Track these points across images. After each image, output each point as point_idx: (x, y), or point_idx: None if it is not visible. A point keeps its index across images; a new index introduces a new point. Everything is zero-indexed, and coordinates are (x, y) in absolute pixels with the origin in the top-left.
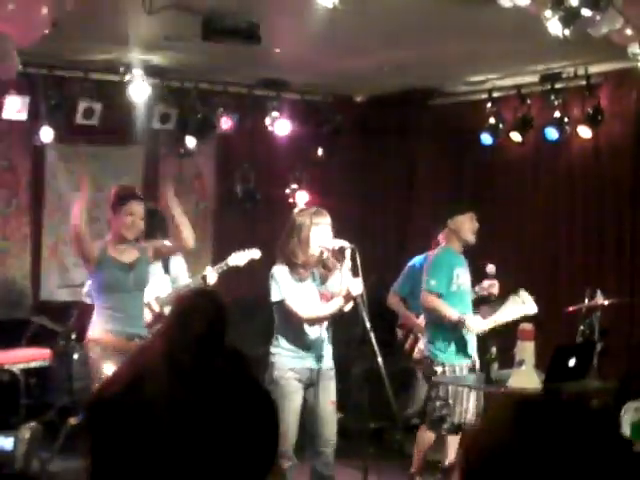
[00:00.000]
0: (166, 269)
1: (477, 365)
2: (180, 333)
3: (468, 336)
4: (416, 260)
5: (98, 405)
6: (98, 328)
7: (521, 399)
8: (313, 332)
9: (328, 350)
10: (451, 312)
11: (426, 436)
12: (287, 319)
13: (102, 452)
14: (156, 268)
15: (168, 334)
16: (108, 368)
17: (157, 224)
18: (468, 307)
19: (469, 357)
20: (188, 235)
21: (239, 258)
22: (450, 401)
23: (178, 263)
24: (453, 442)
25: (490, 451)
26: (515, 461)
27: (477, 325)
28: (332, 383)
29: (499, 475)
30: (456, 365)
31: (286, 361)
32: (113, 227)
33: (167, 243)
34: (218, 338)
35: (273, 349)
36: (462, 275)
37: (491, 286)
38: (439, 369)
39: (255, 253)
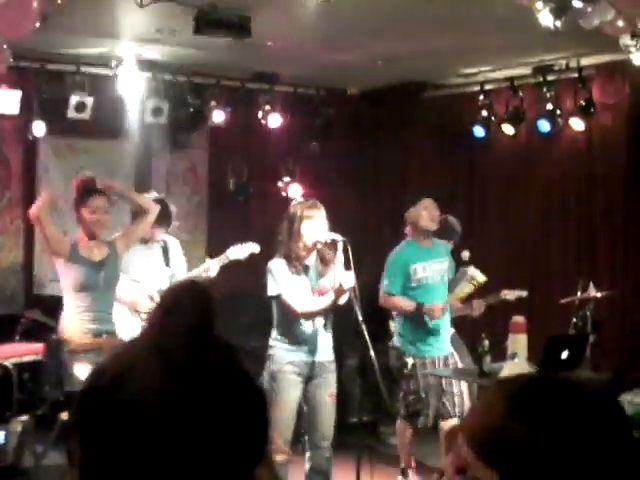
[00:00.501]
0: (167, 262)
1: (455, 358)
2: (168, 324)
3: (438, 328)
4: (390, 256)
5: (87, 398)
6: (67, 327)
7: (516, 381)
8: (311, 325)
9: (328, 343)
10: (405, 304)
11: (405, 431)
12: (284, 313)
13: (91, 445)
14: (156, 261)
15: (157, 325)
16: (77, 367)
17: (162, 213)
18: (435, 299)
19: (441, 350)
20: (145, 202)
21: (239, 251)
22: (422, 394)
23: (177, 258)
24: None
25: (487, 434)
26: (515, 444)
27: (435, 308)
28: (332, 376)
29: (500, 460)
30: (427, 357)
31: (284, 355)
32: (81, 224)
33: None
34: (207, 329)
35: (271, 342)
36: (425, 269)
37: (468, 308)
38: (409, 361)
39: (254, 247)
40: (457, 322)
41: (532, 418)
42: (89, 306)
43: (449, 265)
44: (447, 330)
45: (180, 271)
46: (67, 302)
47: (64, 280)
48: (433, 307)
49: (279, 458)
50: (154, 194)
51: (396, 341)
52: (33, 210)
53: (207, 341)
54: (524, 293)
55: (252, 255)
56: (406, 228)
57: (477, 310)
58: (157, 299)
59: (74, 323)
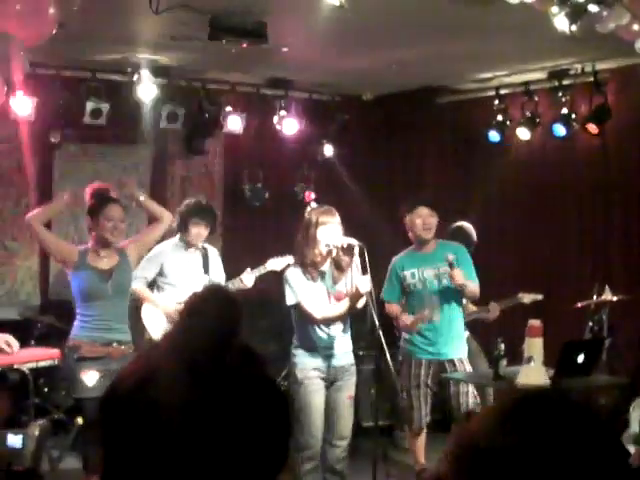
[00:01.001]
0: (206, 269)
1: (463, 365)
2: (193, 328)
3: (432, 332)
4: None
5: (111, 401)
6: (76, 334)
7: (517, 395)
8: (332, 330)
9: (348, 346)
10: (392, 310)
11: (412, 435)
12: (304, 321)
13: (114, 447)
14: (195, 266)
15: (181, 330)
16: (85, 374)
17: (211, 218)
18: (425, 305)
19: (437, 354)
20: (159, 211)
21: (277, 263)
22: (404, 395)
23: (216, 266)
24: None
25: (480, 446)
26: (505, 457)
27: (404, 322)
28: (352, 378)
29: (489, 471)
30: (413, 360)
31: (308, 361)
32: (94, 233)
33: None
34: (231, 334)
35: (294, 350)
36: (414, 275)
37: (485, 311)
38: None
39: (291, 259)
40: (472, 325)
41: (522, 433)
42: (98, 315)
43: (462, 267)
44: (449, 336)
45: (219, 280)
46: (77, 310)
47: (73, 288)
48: (406, 325)
49: (311, 464)
50: (202, 201)
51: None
52: (27, 217)
53: (230, 346)
54: (540, 297)
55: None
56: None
57: (492, 313)
58: None
59: (83, 331)
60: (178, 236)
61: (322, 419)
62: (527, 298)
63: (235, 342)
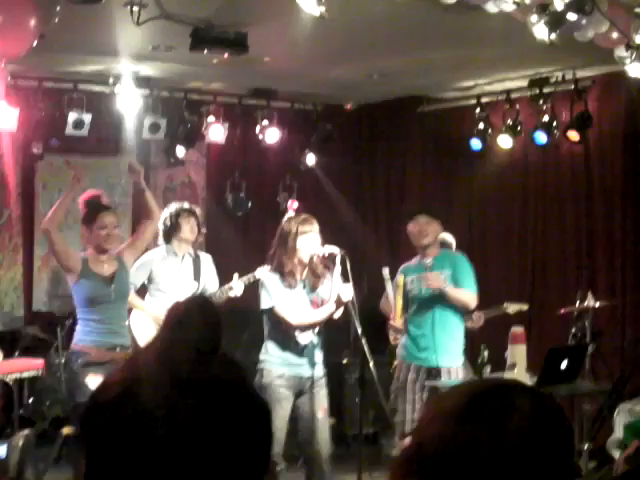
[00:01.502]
0: (196, 276)
1: (452, 371)
2: (176, 338)
3: (423, 338)
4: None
5: (93, 411)
6: (79, 340)
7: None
8: (303, 339)
9: (319, 357)
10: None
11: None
12: (277, 326)
13: (97, 458)
14: (185, 273)
15: (164, 338)
16: (89, 379)
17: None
18: (420, 311)
19: (424, 361)
20: (154, 206)
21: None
22: (392, 396)
23: (210, 273)
24: None
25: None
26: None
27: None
28: (323, 390)
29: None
30: (404, 364)
31: (275, 368)
32: (90, 241)
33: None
34: (214, 344)
35: (262, 356)
36: (413, 281)
37: (469, 320)
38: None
39: None
40: None
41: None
42: (102, 320)
43: (458, 275)
44: (440, 343)
45: (212, 287)
46: (80, 316)
47: (77, 294)
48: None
49: (276, 468)
50: (186, 204)
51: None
52: (43, 224)
53: (214, 356)
54: (525, 307)
55: (252, 271)
56: None
57: (477, 323)
58: None
59: (89, 336)
60: (165, 246)
61: (284, 429)
62: (512, 308)
63: (219, 353)
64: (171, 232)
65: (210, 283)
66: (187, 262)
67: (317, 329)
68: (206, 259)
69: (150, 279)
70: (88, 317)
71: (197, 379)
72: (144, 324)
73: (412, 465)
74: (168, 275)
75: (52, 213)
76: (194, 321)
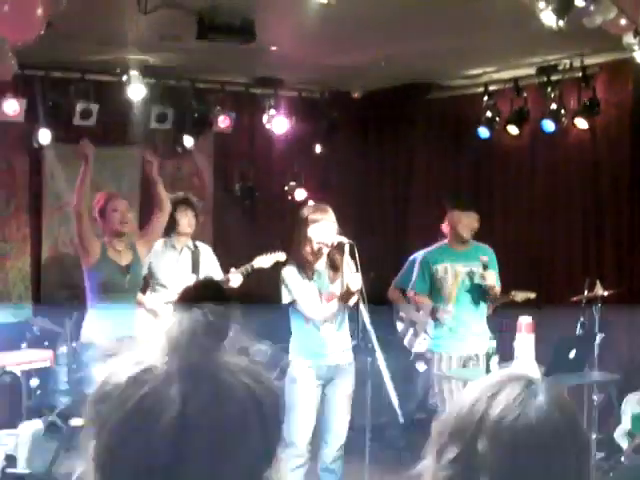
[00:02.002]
0: (195, 269)
1: (480, 357)
2: (184, 324)
3: (460, 331)
4: (417, 254)
5: (102, 395)
6: (90, 330)
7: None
8: (327, 329)
9: (345, 344)
10: (422, 300)
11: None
12: (301, 318)
13: (105, 445)
14: (184, 266)
15: (173, 325)
16: (99, 371)
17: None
18: (468, 298)
19: (458, 348)
20: (165, 198)
21: (264, 261)
22: (435, 389)
23: (211, 264)
24: None
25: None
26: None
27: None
28: (350, 377)
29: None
30: (443, 354)
31: (303, 360)
32: (106, 229)
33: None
34: (224, 329)
35: (290, 348)
36: (446, 270)
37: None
38: (429, 356)
39: (280, 256)
40: None
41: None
42: (114, 309)
43: (490, 269)
44: (474, 332)
45: (215, 274)
46: (92, 305)
47: (90, 281)
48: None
49: (297, 462)
50: (180, 194)
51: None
52: (75, 207)
53: (222, 340)
54: (532, 295)
55: (263, 267)
56: (444, 226)
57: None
58: None
59: (98, 326)
60: (163, 240)
61: (313, 419)
62: (519, 296)
63: (226, 337)
64: (169, 227)
65: (211, 274)
66: (185, 255)
67: (339, 318)
68: (205, 250)
69: (150, 273)
70: (100, 306)
71: (204, 366)
72: (144, 319)
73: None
74: (167, 269)
75: (79, 194)
76: (203, 305)
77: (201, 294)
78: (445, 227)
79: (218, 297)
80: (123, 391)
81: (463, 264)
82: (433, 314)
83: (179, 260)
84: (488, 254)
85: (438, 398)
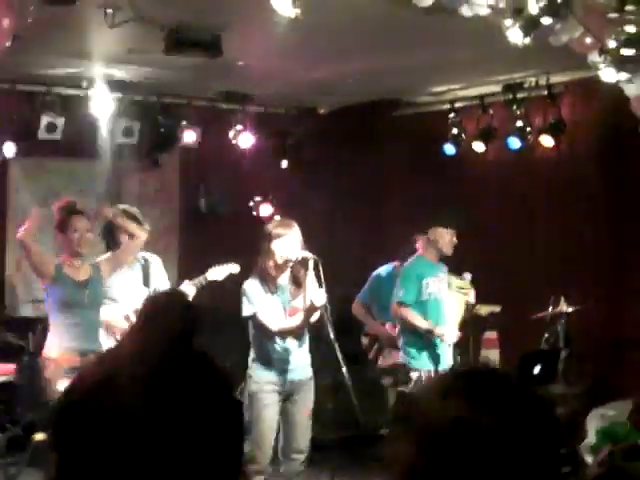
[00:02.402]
0: (146, 282)
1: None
2: (150, 332)
3: (442, 346)
4: (381, 270)
5: (64, 409)
6: (52, 345)
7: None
8: (288, 344)
9: (305, 360)
10: (420, 322)
11: None
12: (260, 332)
13: (68, 456)
14: (135, 280)
15: (138, 333)
16: (62, 385)
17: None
18: (441, 315)
19: (444, 364)
20: (135, 230)
21: (218, 273)
22: None
23: (160, 276)
24: None
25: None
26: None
27: (449, 333)
28: (310, 393)
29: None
30: (432, 371)
31: (263, 374)
32: (64, 246)
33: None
34: (188, 336)
35: (251, 363)
36: (433, 284)
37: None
38: (414, 375)
39: (234, 267)
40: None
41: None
42: (75, 324)
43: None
44: (449, 349)
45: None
46: (53, 321)
47: (50, 298)
48: (447, 334)
49: (259, 479)
50: (119, 207)
51: (401, 357)
52: (19, 235)
53: (187, 350)
54: (497, 308)
55: (229, 274)
56: (418, 244)
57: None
58: (134, 319)
59: (59, 341)
60: (109, 253)
61: (273, 434)
62: (483, 310)
63: (193, 348)
64: (113, 248)
65: (161, 286)
66: (136, 269)
67: (300, 333)
68: (155, 262)
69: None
70: (60, 322)
71: (171, 372)
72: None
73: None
74: (117, 283)
75: (26, 227)
76: (168, 315)
77: (169, 304)
78: (420, 243)
79: (185, 307)
80: (87, 400)
81: (441, 276)
82: (429, 334)
83: (129, 274)
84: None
85: None
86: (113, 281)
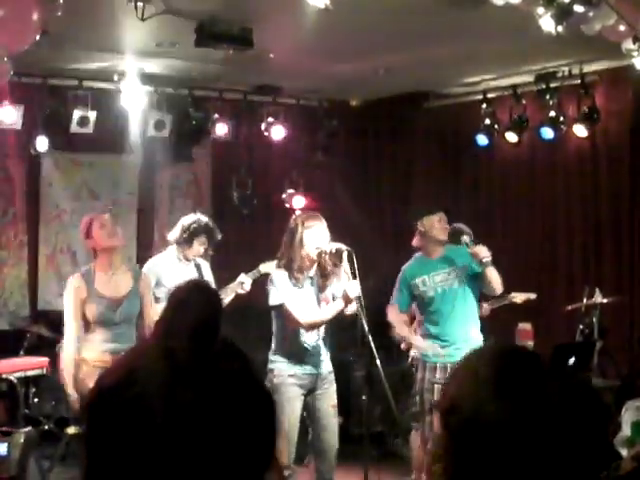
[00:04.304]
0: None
1: None
2: (175, 323)
3: (445, 336)
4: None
5: (95, 397)
6: (85, 346)
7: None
8: (311, 337)
9: (327, 354)
10: (400, 331)
11: (415, 441)
12: (285, 324)
13: (98, 444)
14: (191, 276)
15: (164, 324)
16: (92, 382)
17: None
18: (439, 313)
19: (446, 357)
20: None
21: (270, 266)
22: (417, 398)
23: (208, 277)
24: None
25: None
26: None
27: (418, 344)
28: (332, 387)
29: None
30: (427, 364)
31: (285, 367)
32: (96, 248)
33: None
34: (213, 328)
35: (272, 356)
36: (425, 282)
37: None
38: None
39: None
40: None
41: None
42: (105, 338)
43: (467, 265)
44: (461, 339)
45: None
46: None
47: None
48: (421, 346)
49: (284, 474)
50: (204, 219)
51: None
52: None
53: (212, 340)
54: (533, 295)
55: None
56: (415, 239)
57: (483, 313)
58: None
59: (92, 344)
60: (175, 248)
61: (297, 427)
62: (519, 298)
63: (219, 338)
64: (183, 245)
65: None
66: (191, 267)
67: (324, 327)
68: (205, 266)
69: (158, 283)
70: (91, 332)
71: (194, 366)
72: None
73: (446, 419)
74: (175, 279)
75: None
76: (192, 305)
77: (192, 292)
78: (417, 241)
79: (209, 294)
80: (116, 389)
81: (440, 272)
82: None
83: (186, 272)
84: (462, 251)
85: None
86: (169, 278)
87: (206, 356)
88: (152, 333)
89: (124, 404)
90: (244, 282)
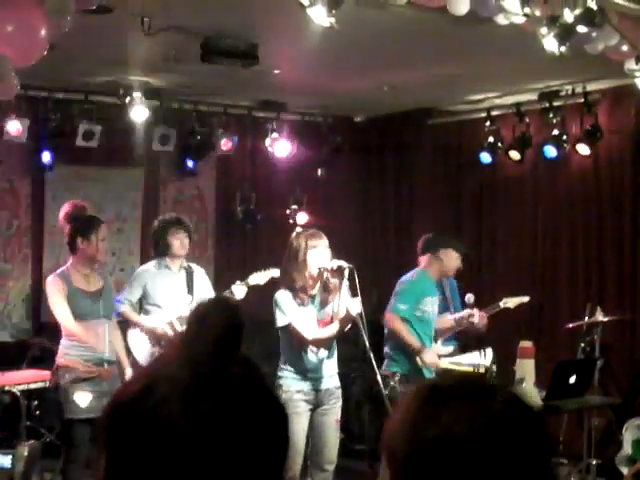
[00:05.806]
0: (189, 289)
1: None
2: (198, 336)
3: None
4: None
5: (115, 408)
6: (67, 354)
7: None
8: (319, 354)
9: (333, 369)
10: (412, 340)
11: None
12: (292, 343)
13: (117, 455)
14: (179, 287)
15: (186, 337)
16: (78, 395)
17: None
18: (429, 335)
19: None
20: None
21: (259, 277)
22: None
23: (204, 284)
24: None
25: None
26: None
27: (430, 360)
28: (338, 402)
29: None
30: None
31: (293, 383)
32: (82, 252)
33: None
34: (235, 342)
35: (280, 372)
36: (429, 303)
37: (470, 316)
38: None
39: (275, 272)
40: (465, 342)
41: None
42: (89, 334)
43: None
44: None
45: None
46: (67, 331)
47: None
48: (428, 360)
49: None
50: (172, 215)
51: (385, 365)
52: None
53: (234, 354)
54: (525, 298)
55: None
56: (425, 261)
57: (481, 322)
58: (177, 326)
59: (75, 350)
60: (155, 260)
61: (303, 442)
62: (512, 302)
63: (239, 352)
64: (161, 250)
65: (205, 295)
66: (181, 275)
67: (331, 343)
68: (199, 271)
69: (144, 294)
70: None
71: (216, 376)
72: (141, 341)
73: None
74: (162, 289)
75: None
76: (216, 320)
77: (217, 309)
78: (425, 259)
79: (232, 312)
80: (134, 400)
81: (437, 296)
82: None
83: (173, 281)
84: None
85: None
86: (156, 287)
87: (227, 366)
88: (174, 345)
89: (145, 412)
90: (234, 290)
